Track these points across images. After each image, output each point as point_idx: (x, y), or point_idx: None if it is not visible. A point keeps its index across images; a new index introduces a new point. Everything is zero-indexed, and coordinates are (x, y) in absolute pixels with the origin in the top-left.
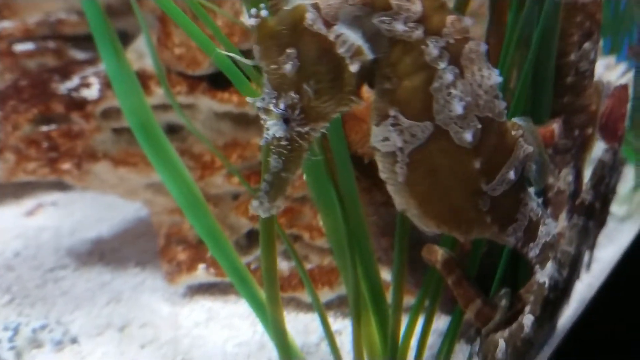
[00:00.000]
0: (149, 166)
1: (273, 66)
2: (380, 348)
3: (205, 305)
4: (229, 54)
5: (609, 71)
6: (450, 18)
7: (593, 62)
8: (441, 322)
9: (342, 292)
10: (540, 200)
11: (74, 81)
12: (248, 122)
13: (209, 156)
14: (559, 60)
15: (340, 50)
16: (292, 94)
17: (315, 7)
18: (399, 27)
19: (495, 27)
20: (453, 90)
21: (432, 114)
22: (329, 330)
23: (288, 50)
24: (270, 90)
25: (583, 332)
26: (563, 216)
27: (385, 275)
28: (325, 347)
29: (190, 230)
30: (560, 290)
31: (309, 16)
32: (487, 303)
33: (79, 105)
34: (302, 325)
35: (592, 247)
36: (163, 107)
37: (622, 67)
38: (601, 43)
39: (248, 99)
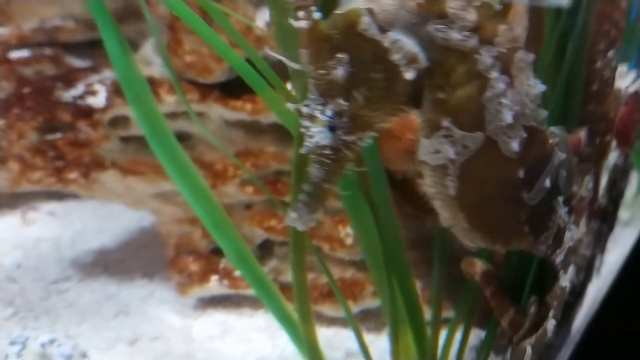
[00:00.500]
0: (157, 175)
1: (321, 71)
2: None
3: (219, 318)
4: (276, 55)
5: (620, 79)
6: (502, 27)
7: (615, 69)
8: (471, 336)
9: (366, 306)
10: (567, 208)
11: (79, 89)
12: (261, 130)
13: (221, 165)
14: (587, 68)
15: (396, 57)
16: (340, 100)
17: (370, 12)
18: (455, 35)
19: (533, 36)
20: (504, 100)
21: (483, 124)
22: (364, 346)
23: (339, 55)
24: (316, 97)
25: (597, 334)
26: (583, 222)
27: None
28: None
29: (200, 241)
30: (577, 294)
31: (364, 20)
32: (519, 312)
33: (86, 113)
34: (324, 341)
35: (602, 251)
36: (172, 116)
37: (632, 75)
38: None
39: (289, 106)
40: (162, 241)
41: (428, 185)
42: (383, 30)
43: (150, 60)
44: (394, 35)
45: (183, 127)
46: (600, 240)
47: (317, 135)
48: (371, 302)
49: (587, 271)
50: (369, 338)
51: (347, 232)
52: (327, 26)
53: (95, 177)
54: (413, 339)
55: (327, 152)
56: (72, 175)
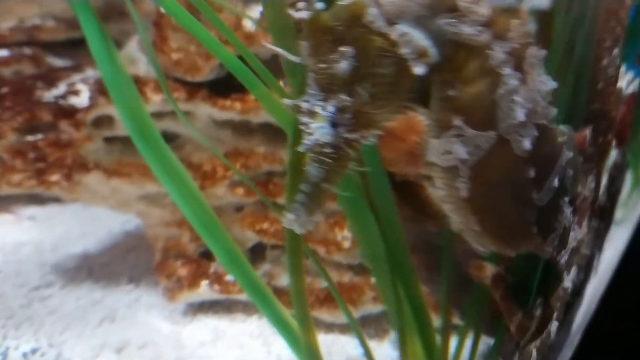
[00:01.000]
0: (143, 177)
1: (323, 64)
2: None
3: (210, 323)
4: (274, 48)
5: (619, 79)
6: (514, 22)
7: (618, 67)
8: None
9: (365, 311)
10: (572, 208)
11: (60, 88)
12: (250, 130)
13: (209, 166)
14: (593, 66)
15: (404, 51)
16: (343, 95)
17: (377, 3)
18: (467, 29)
19: (543, 32)
20: (516, 97)
21: (495, 122)
22: (369, 352)
23: (343, 48)
24: (316, 91)
25: (596, 333)
26: (585, 222)
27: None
28: None
29: (189, 244)
30: (576, 293)
31: (371, 12)
32: (526, 315)
33: (68, 113)
34: (323, 347)
35: (600, 249)
36: (158, 115)
37: (629, 75)
38: None
39: (286, 101)
40: (147, 245)
41: (438, 187)
42: (390, 22)
43: (135, 59)
44: (402, 28)
45: (170, 127)
46: (598, 239)
47: (317, 131)
48: (371, 308)
49: (586, 270)
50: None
51: (343, 235)
52: (330, 17)
53: (79, 179)
54: (421, 346)
55: (327, 150)
56: (54, 177)
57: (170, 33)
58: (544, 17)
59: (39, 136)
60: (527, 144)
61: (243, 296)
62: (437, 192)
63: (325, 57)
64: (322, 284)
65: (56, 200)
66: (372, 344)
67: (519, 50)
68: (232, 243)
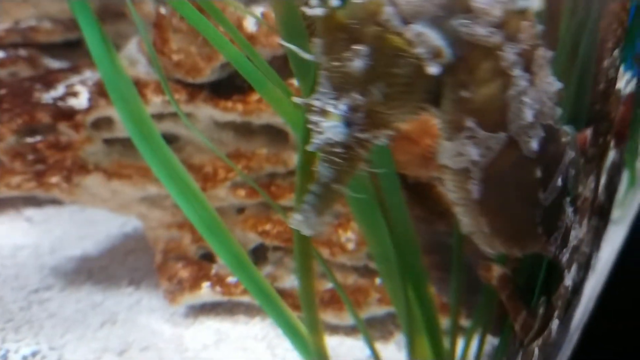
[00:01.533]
0: (144, 178)
1: (336, 62)
2: None
3: (212, 326)
4: (288, 45)
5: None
6: (525, 23)
7: (618, 68)
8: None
9: (371, 314)
10: (573, 207)
11: (59, 90)
12: (252, 132)
13: (210, 167)
14: (595, 67)
15: (420, 51)
16: (356, 94)
17: (393, 2)
18: (480, 30)
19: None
20: (525, 98)
21: (505, 123)
22: (376, 355)
23: (357, 47)
24: (328, 90)
25: (595, 331)
26: (585, 221)
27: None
28: None
29: (190, 246)
30: (575, 291)
31: (387, 10)
32: (530, 314)
33: (67, 115)
34: (329, 350)
35: (598, 248)
36: (159, 117)
37: (627, 75)
38: None
39: (296, 99)
40: (147, 247)
41: (449, 190)
42: (406, 22)
43: (135, 60)
44: (418, 27)
45: (170, 128)
46: (597, 237)
47: (328, 130)
48: (376, 310)
49: (585, 268)
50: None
51: (347, 237)
52: (345, 15)
53: (78, 181)
54: (430, 348)
55: (339, 149)
56: (54, 179)
57: (170, 34)
58: (551, 18)
59: (38, 138)
60: (535, 144)
61: (245, 298)
62: (449, 194)
63: (340, 55)
64: (326, 285)
65: (54, 202)
66: (378, 346)
67: (529, 51)
68: (236, 245)
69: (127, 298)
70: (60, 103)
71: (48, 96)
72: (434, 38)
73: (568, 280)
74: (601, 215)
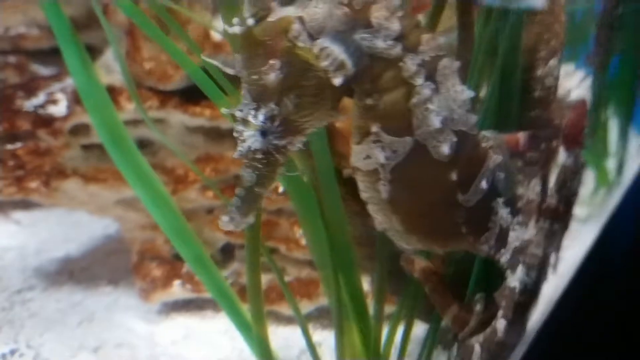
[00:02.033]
0: (120, 182)
1: (254, 76)
2: (363, 357)
3: (182, 322)
4: (211, 61)
5: (568, 78)
6: (425, 36)
7: (557, 78)
8: (419, 330)
9: (321, 304)
10: (509, 209)
11: (40, 98)
12: (221, 135)
13: (182, 170)
14: (527, 74)
15: (324, 64)
16: (272, 105)
17: (301, 19)
18: (380, 44)
19: (464, 40)
20: (430, 105)
21: (411, 129)
22: (311, 343)
23: (271, 61)
24: (249, 101)
25: (553, 332)
26: (532, 223)
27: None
28: None
29: (164, 246)
30: (530, 293)
31: (295, 28)
32: (463, 308)
33: (46, 122)
34: (281, 339)
35: (558, 249)
36: (133, 123)
37: (580, 74)
38: None
39: (223, 110)
40: (127, 248)
41: (361, 190)
42: (313, 37)
43: (112, 68)
44: (323, 42)
45: (145, 134)
46: (553, 239)
47: (249, 139)
48: (327, 300)
49: (540, 270)
50: (324, 335)
51: (302, 233)
52: (260, 32)
53: (57, 186)
54: (358, 334)
55: (259, 156)
56: (33, 184)
57: (142, 43)
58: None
59: (18, 145)
60: (445, 149)
61: None
62: (361, 194)
63: (257, 69)
64: (285, 279)
65: (41, 205)
66: (327, 333)
67: (431, 62)
68: (199, 245)
69: (105, 297)
70: (40, 110)
71: (29, 104)
72: (338, 52)
73: (514, 282)
74: (555, 217)
